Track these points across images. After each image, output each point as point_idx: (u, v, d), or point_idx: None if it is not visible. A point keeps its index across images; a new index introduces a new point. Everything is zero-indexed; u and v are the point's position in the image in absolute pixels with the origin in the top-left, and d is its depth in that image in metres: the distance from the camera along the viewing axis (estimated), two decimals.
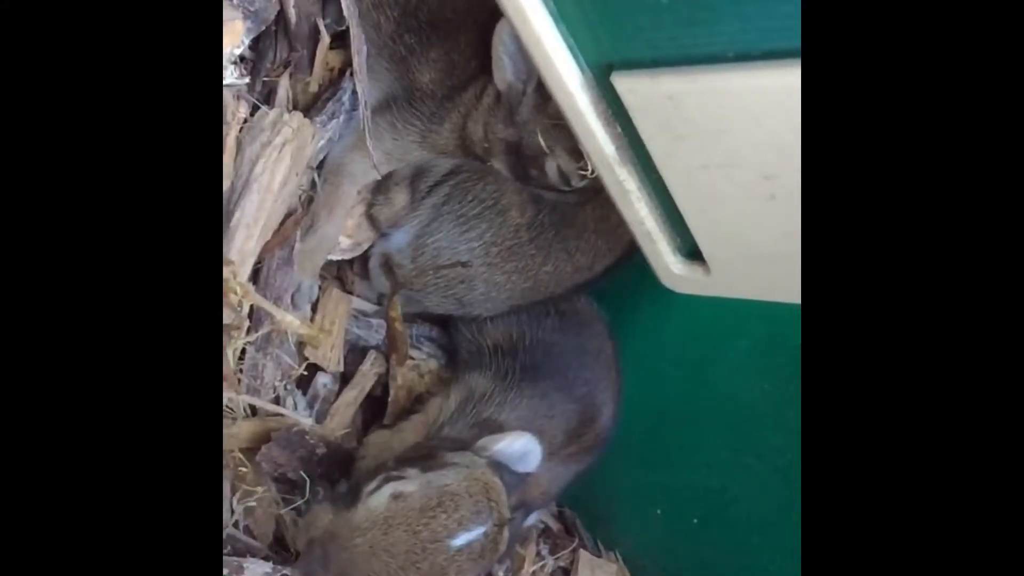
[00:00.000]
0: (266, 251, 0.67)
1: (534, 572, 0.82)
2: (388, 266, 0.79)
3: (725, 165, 0.53)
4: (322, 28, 0.67)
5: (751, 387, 0.77)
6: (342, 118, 0.71)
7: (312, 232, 0.73)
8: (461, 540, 0.59)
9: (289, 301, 0.70)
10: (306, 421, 0.69)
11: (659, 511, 0.83)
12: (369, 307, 0.82)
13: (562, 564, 0.84)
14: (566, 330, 0.78)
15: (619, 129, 0.56)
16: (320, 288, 0.77)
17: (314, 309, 0.76)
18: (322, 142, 0.70)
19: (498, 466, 0.63)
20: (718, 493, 0.80)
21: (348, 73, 0.70)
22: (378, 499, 0.59)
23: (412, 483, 0.59)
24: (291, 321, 0.66)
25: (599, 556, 0.85)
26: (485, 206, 0.73)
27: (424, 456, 0.62)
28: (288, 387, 0.73)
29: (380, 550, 0.58)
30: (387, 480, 0.60)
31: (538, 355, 0.76)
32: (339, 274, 0.81)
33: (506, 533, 0.62)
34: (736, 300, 0.71)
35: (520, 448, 0.65)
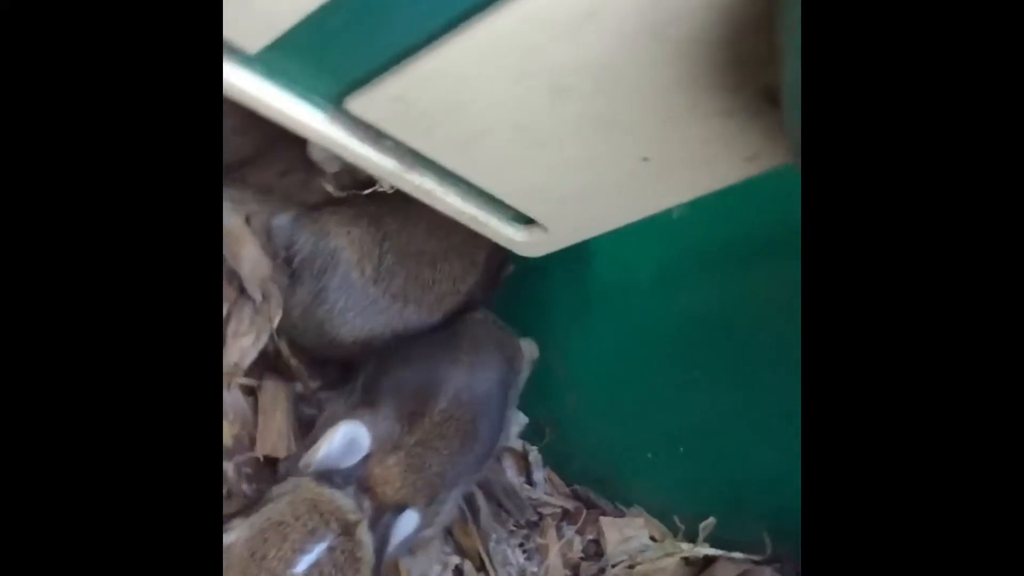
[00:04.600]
0: None
1: (564, 554, 0.83)
2: None
3: (482, 133, 0.54)
4: None
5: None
6: None
7: None
8: (304, 565, 0.58)
9: None
10: None
11: (649, 455, 0.83)
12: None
13: (590, 536, 0.85)
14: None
15: (390, 141, 0.57)
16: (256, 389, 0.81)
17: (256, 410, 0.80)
18: None
19: (324, 474, 0.62)
20: (702, 424, 0.81)
21: None
22: None
23: (233, 533, 0.58)
24: None
25: (622, 515, 0.86)
26: (326, 274, 0.76)
27: (246, 507, 0.62)
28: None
29: None
30: None
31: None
32: (274, 365, 0.84)
33: (362, 535, 0.61)
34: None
35: (341, 440, 0.64)
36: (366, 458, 0.66)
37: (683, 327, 0.80)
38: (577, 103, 0.50)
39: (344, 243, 0.78)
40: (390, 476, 0.67)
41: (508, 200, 0.60)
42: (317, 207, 0.78)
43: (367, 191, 0.64)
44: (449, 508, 0.74)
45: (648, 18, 0.44)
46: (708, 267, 0.78)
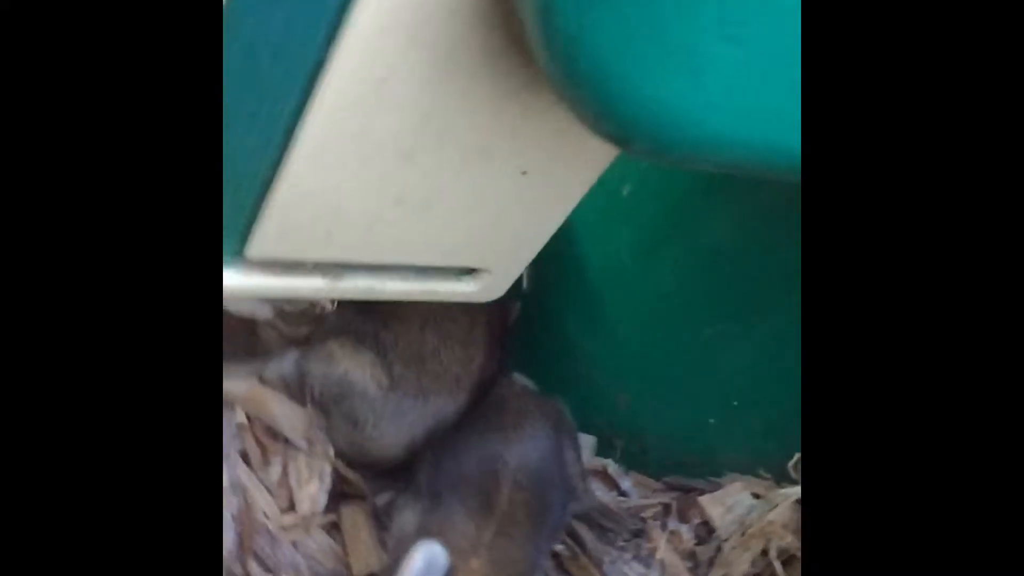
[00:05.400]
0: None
1: (676, 547, 0.83)
2: None
3: (371, 219, 0.55)
4: None
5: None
6: None
7: None
8: None
9: None
10: None
11: (712, 420, 0.83)
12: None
13: (697, 520, 0.85)
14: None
15: (305, 264, 0.60)
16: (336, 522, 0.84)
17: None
18: None
19: None
20: (741, 371, 0.80)
21: None
22: None
23: None
24: None
25: (720, 488, 0.85)
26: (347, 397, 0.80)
27: None
28: None
29: None
30: None
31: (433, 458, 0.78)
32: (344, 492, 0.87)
33: None
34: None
35: (420, 564, 0.65)
36: (449, 572, 0.67)
37: (685, 290, 0.80)
38: (429, 157, 0.51)
39: (351, 365, 0.81)
40: None
41: (438, 263, 0.62)
42: (309, 339, 0.82)
43: (319, 311, 0.67)
44: None
45: (430, 57, 0.45)
46: (677, 227, 0.78)
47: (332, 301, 0.64)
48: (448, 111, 0.49)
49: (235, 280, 0.58)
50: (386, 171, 0.52)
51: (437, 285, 0.65)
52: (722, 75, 0.31)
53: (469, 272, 0.65)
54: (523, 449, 0.75)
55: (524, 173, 0.55)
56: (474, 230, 0.59)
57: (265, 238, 0.55)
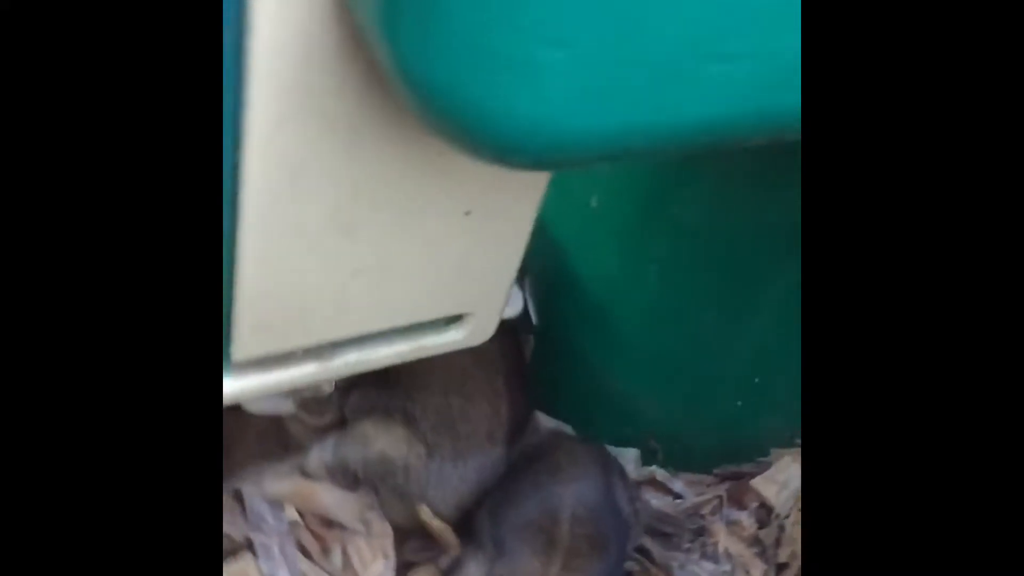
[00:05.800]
0: None
1: (739, 535, 0.82)
2: None
3: (338, 296, 0.58)
4: None
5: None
6: None
7: None
8: None
9: None
10: None
11: (739, 403, 0.83)
12: None
13: (754, 504, 0.84)
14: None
15: (294, 352, 0.62)
16: None
17: None
18: None
19: None
20: (754, 350, 0.81)
21: None
22: None
23: None
24: None
25: (769, 467, 0.85)
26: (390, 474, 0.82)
27: None
28: None
29: None
30: None
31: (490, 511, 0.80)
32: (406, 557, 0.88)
33: None
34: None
35: None
36: None
37: (678, 282, 0.80)
38: (369, 225, 0.53)
39: (387, 443, 0.83)
40: None
41: (418, 319, 0.64)
42: (342, 423, 0.84)
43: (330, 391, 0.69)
44: None
45: (333, 135, 0.47)
46: (654, 222, 0.79)
47: (330, 383, 0.66)
48: (371, 178, 0.51)
49: (231, 386, 0.60)
50: (333, 250, 0.54)
51: (426, 340, 0.66)
52: (557, 77, 0.33)
53: (454, 320, 0.67)
54: (578, 488, 0.78)
55: (467, 213, 0.57)
56: (440, 279, 0.61)
57: (244, 339, 0.57)
